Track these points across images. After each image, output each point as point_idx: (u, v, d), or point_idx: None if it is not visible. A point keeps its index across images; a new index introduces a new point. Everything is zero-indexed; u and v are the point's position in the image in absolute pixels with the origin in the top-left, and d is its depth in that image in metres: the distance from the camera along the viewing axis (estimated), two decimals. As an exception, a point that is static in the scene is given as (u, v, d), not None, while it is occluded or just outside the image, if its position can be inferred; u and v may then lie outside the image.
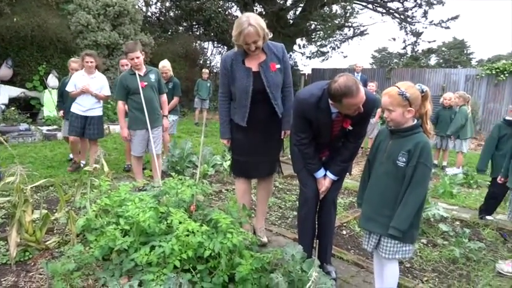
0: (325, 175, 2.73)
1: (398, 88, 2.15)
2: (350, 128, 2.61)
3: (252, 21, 2.76)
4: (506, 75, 11.59)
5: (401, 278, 2.79)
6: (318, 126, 2.62)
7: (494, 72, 11.80)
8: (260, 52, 2.97)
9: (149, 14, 16.91)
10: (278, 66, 3.02)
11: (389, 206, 2.20)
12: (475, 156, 8.48)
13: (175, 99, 6.11)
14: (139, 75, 4.27)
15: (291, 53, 18.33)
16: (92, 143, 5.51)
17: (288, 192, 4.98)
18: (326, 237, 2.85)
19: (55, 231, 3.37)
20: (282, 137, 3.24)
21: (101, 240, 2.62)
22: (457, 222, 4.17)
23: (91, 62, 5.32)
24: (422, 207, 2.26)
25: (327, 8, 16.53)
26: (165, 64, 6.05)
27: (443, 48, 38.92)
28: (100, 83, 5.43)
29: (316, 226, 2.89)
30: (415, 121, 2.21)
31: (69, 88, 5.34)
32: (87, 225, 2.84)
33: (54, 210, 3.72)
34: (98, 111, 5.45)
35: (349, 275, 2.90)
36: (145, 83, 4.14)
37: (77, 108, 5.32)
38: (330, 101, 2.46)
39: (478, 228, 4.02)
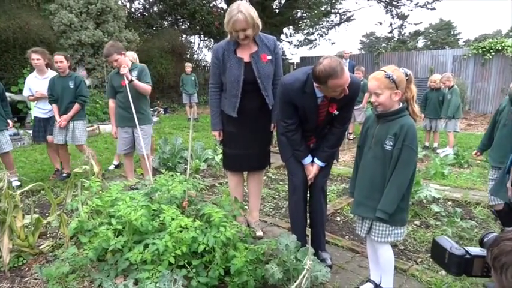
0: (312, 162, 2.74)
1: (385, 71, 2.16)
2: (336, 112, 2.62)
3: (242, 9, 2.79)
4: (493, 53, 11.65)
5: (395, 260, 2.80)
6: (304, 111, 2.62)
7: (480, 51, 11.85)
8: (251, 43, 2.99)
9: (133, 10, 16.69)
10: (269, 57, 3.03)
11: (379, 190, 2.22)
12: (465, 136, 8.57)
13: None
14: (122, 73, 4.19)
15: (278, 42, 18.24)
16: (58, 147, 5.14)
17: (281, 183, 4.99)
18: (318, 225, 2.86)
19: (48, 235, 3.35)
20: (272, 130, 3.23)
21: (94, 241, 2.61)
22: (449, 202, 4.22)
23: (37, 59, 4.88)
24: (410, 190, 2.28)
25: (313, -4, 16.46)
26: (128, 54, 5.41)
27: (430, 30, 39.07)
28: None
29: (308, 214, 2.90)
30: (401, 105, 2.22)
31: (25, 93, 5.02)
32: (79, 227, 2.83)
33: (47, 214, 3.69)
34: None
35: (344, 260, 2.92)
36: (127, 81, 4.08)
37: (38, 112, 5.07)
38: (316, 84, 2.45)
39: (469, 207, 4.07)
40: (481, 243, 1.06)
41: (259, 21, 2.89)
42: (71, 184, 3.35)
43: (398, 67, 2.26)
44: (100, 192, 3.13)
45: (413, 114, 2.25)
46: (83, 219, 2.83)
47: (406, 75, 2.22)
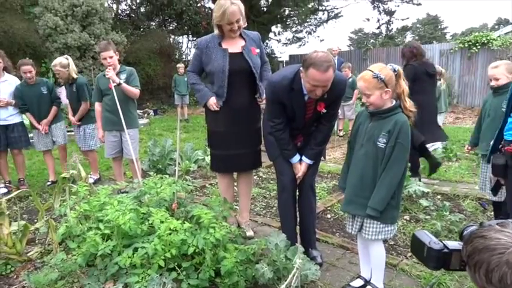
0: (300, 160, 2.74)
1: (372, 71, 2.14)
2: (324, 111, 2.62)
3: (234, 0, 2.88)
4: (478, 47, 11.78)
5: (385, 256, 2.85)
6: (292, 109, 2.62)
7: (466, 45, 11.98)
8: (238, 37, 3.07)
9: (119, 11, 16.54)
10: (257, 50, 3.13)
11: (369, 187, 2.22)
12: (453, 129, 8.66)
13: (84, 105, 4.85)
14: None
15: (267, 41, 18.25)
16: (16, 154, 4.88)
17: (271, 182, 4.99)
18: (308, 223, 2.87)
19: (37, 242, 3.31)
20: (259, 101, 3.22)
21: (83, 246, 2.59)
22: (438, 196, 4.26)
23: None
24: (401, 187, 2.28)
25: (299, -7, 16.46)
26: (55, 63, 4.79)
27: (417, 25, 39.42)
28: (13, 87, 4.77)
29: (298, 213, 2.91)
30: (394, 102, 2.21)
31: None
32: (68, 233, 2.80)
33: (35, 221, 3.65)
34: (18, 118, 4.82)
35: (335, 257, 2.94)
36: (113, 84, 4.04)
37: None
38: (301, 74, 2.46)
39: (458, 200, 4.11)
40: (461, 237, 1.07)
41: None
42: (59, 189, 3.31)
43: (387, 63, 2.24)
44: (88, 196, 3.10)
45: (406, 110, 2.22)
46: (71, 225, 2.80)
47: (395, 70, 2.18)
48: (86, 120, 4.94)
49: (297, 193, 2.89)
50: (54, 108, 4.91)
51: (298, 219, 2.92)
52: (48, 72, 10.53)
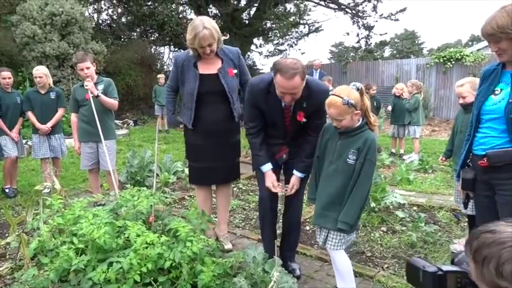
0: (292, 174, 2.70)
1: (341, 97, 2.16)
2: (304, 120, 2.60)
3: (207, 24, 2.80)
4: (453, 62, 12.17)
5: (362, 267, 2.89)
6: (270, 113, 2.63)
7: (441, 60, 12.36)
8: (215, 57, 3.00)
9: (100, 21, 16.41)
10: (235, 71, 3.07)
11: (339, 201, 2.28)
12: (430, 141, 8.88)
13: (60, 112, 5.10)
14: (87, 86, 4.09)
15: (248, 53, 18.38)
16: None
17: (251, 193, 4.99)
18: (293, 235, 2.88)
19: (7, 257, 3.21)
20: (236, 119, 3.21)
21: (55, 261, 2.52)
22: (414, 208, 4.34)
23: None
24: (367, 199, 2.38)
25: (281, 7, 16.70)
26: (39, 67, 4.99)
27: (396, 40, 40.52)
28: None
29: (282, 224, 2.91)
30: (361, 120, 2.28)
31: None
32: (40, 248, 2.72)
33: (7, 235, 3.52)
34: None
35: (313, 270, 2.95)
36: (91, 95, 3.98)
37: None
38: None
39: (433, 212, 4.20)
40: (453, 263, 1.11)
41: (221, 35, 2.93)
42: (32, 202, 3.22)
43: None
44: (63, 210, 3.03)
45: (371, 125, 2.31)
46: (44, 239, 2.72)
47: (358, 89, 2.24)
48: (58, 128, 5.12)
49: (284, 205, 2.90)
50: (21, 119, 5.07)
51: (280, 230, 2.92)
52: (25, 81, 10.31)
